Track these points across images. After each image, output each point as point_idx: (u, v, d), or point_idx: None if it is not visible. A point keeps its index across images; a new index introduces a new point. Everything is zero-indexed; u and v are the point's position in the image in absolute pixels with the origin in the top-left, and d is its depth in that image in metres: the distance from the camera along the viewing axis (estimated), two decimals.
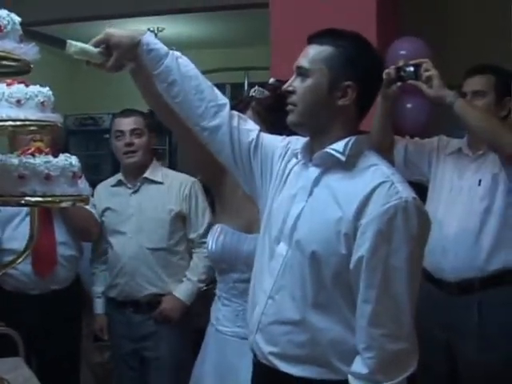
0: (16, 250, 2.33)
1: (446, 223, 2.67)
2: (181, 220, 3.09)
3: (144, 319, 3.07)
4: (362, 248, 1.58)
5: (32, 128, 1.74)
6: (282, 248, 1.72)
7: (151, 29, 6.56)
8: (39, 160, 1.69)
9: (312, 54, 1.68)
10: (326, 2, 3.14)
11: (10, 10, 1.64)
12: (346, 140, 1.67)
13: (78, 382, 3.28)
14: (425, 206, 1.85)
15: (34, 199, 1.67)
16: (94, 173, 6.76)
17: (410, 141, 2.85)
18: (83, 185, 1.80)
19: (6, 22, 1.59)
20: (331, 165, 1.69)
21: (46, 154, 1.73)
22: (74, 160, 1.75)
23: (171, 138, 7.03)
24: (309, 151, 1.74)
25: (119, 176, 3.20)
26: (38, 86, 1.74)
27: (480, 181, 2.65)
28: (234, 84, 6.73)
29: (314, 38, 1.71)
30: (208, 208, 3.10)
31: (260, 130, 1.86)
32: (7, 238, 3.00)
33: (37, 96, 1.71)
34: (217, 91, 1.83)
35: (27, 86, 1.72)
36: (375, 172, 1.64)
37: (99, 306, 3.22)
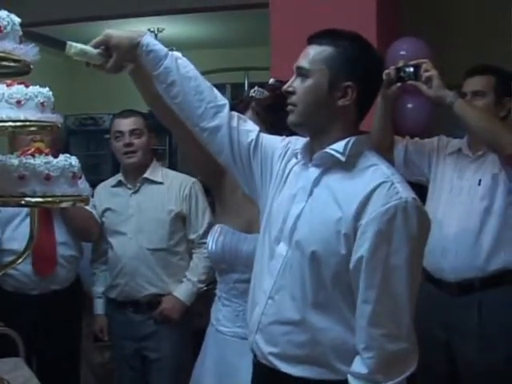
0: (16, 251, 2.34)
1: (445, 223, 2.67)
2: (181, 220, 3.10)
3: (144, 319, 3.07)
4: (361, 248, 1.58)
5: (32, 128, 1.74)
6: (281, 248, 1.72)
7: (151, 29, 6.56)
8: (39, 160, 1.69)
9: (312, 54, 1.68)
10: (326, 2, 3.14)
11: (10, 11, 1.64)
12: (346, 140, 1.67)
13: (78, 383, 3.29)
14: (425, 206, 1.86)
15: (33, 200, 1.67)
16: (95, 173, 6.76)
17: (410, 141, 2.85)
18: (83, 185, 1.80)
19: (5, 23, 1.60)
20: (331, 165, 1.69)
21: (46, 154, 1.74)
22: (73, 160, 1.75)
23: (171, 139, 7.03)
24: (309, 151, 1.74)
25: (119, 176, 3.20)
26: (37, 86, 1.74)
27: (480, 181, 2.65)
28: (234, 84, 6.73)
29: (313, 39, 1.71)
30: (208, 208, 3.10)
31: (260, 131, 1.86)
32: (7, 239, 3.00)
33: (37, 97, 1.71)
34: (216, 92, 1.83)
35: (27, 86, 1.72)
36: (375, 172, 1.64)
37: (99, 306, 3.22)
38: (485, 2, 3.92)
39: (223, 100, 1.82)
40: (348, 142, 1.67)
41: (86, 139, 8.03)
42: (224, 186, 2.22)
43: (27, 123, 1.69)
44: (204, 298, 3.14)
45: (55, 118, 1.75)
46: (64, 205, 1.76)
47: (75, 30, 5.38)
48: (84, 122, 8.00)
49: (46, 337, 3.01)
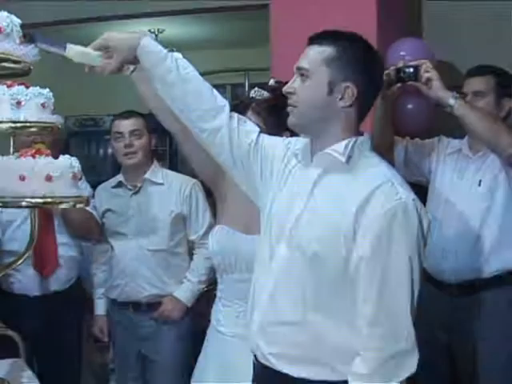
0: (17, 252, 2.34)
1: (446, 224, 2.67)
2: (181, 221, 3.09)
3: (145, 320, 3.07)
4: (361, 249, 1.58)
5: (32, 129, 1.74)
6: (281, 249, 1.72)
7: (151, 30, 6.55)
8: (39, 161, 1.69)
9: (312, 55, 1.68)
10: (326, 2, 3.14)
11: (10, 12, 1.64)
12: (347, 141, 1.67)
13: (78, 383, 3.28)
14: (425, 206, 1.86)
15: (34, 200, 1.68)
16: (95, 174, 6.74)
17: (410, 141, 2.85)
18: (83, 186, 1.81)
19: (6, 24, 1.60)
20: (331, 166, 1.69)
21: (47, 155, 1.74)
22: (74, 161, 1.76)
23: (172, 139, 7.01)
24: (309, 152, 1.74)
25: (119, 177, 3.20)
26: (38, 87, 1.75)
27: (480, 181, 2.65)
28: (234, 85, 6.73)
29: (314, 39, 1.71)
30: (208, 209, 3.10)
31: (260, 132, 1.86)
32: (8, 240, 3.00)
33: (37, 97, 1.72)
34: (216, 93, 1.83)
35: (27, 87, 1.73)
36: (375, 173, 1.64)
37: (100, 306, 3.22)
38: (485, 3, 3.92)
39: (223, 101, 1.82)
40: (348, 143, 1.67)
41: (87, 140, 8.02)
42: (224, 187, 2.22)
43: (27, 124, 1.70)
44: (204, 299, 3.14)
45: (55, 119, 1.76)
46: (64, 206, 1.77)
47: (75, 31, 5.38)
48: (84, 123, 8.00)
49: (47, 338, 3.01)
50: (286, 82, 1.75)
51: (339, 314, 1.65)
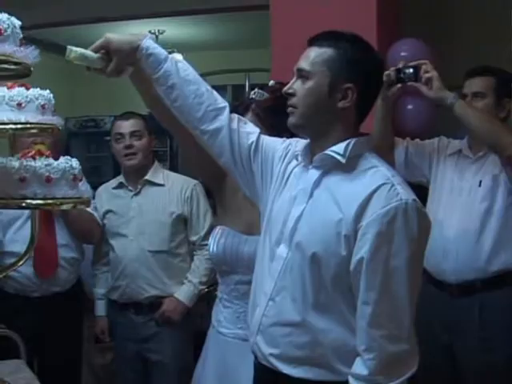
0: (17, 253, 2.34)
1: (446, 224, 2.67)
2: (182, 222, 3.10)
3: (145, 321, 3.07)
4: (362, 250, 1.58)
5: (33, 131, 1.74)
6: (282, 250, 1.73)
7: (152, 31, 6.57)
8: (40, 163, 1.69)
9: (312, 56, 1.69)
10: (326, 4, 3.14)
11: (11, 14, 1.64)
12: (347, 142, 1.68)
13: None
14: (425, 207, 1.86)
15: (34, 202, 1.68)
16: (96, 175, 6.77)
17: (410, 142, 2.85)
18: (84, 187, 1.81)
19: (6, 26, 1.60)
20: (331, 167, 1.69)
21: (47, 156, 1.74)
22: (74, 162, 1.75)
23: (172, 140, 7.04)
24: (309, 153, 1.74)
25: (120, 178, 3.20)
26: (38, 88, 1.75)
27: (480, 182, 2.65)
28: (235, 86, 6.74)
29: (314, 41, 1.71)
30: (209, 210, 3.10)
31: (260, 133, 1.86)
32: (9, 241, 3.00)
33: (37, 99, 1.71)
34: (216, 94, 1.83)
35: (28, 88, 1.73)
36: (375, 174, 1.64)
37: (100, 307, 3.23)
38: (485, 3, 3.92)
39: (223, 102, 1.83)
40: (348, 144, 1.67)
41: (87, 141, 8.04)
42: (225, 188, 2.22)
43: (28, 125, 1.70)
44: (205, 300, 3.15)
45: (56, 121, 1.76)
46: (65, 207, 1.76)
47: (75, 32, 5.39)
48: (85, 124, 8.02)
49: (48, 339, 3.01)
50: (286, 83, 1.75)
51: (340, 314, 1.65)
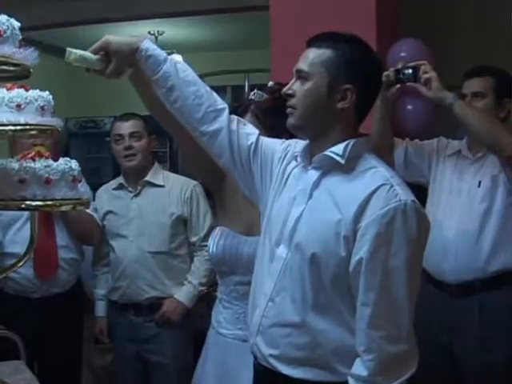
0: (17, 254, 2.34)
1: (445, 225, 2.67)
2: (182, 223, 3.10)
3: (145, 322, 3.07)
4: (361, 250, 1.58)
5: (32, 132, 1.75)
6: (282, 250, 1.73)
7: (151, 32, 6.57)
8: (39, 164, 1.70)
9: (311, 57, 1.69)
10: (325, 4, 3.14)
11: (10, 16, 1.65)
12: (346, 143, 1.68)
13: None
14: (425, 207, 1.85)
15: (34, 203, 1.68)
16: (95, 176, 6.77)
17: (409, 143, 2.85)
18: (83, 188, 1.81)
19: (5, 27, 1.60)
20: (331, 167, 1.69)
21: (46, 158, 1.74)
22: (73, 164, 1.76)
23: (172, 141, 7.03)
24: (308, 154, 1.74)
25: (120, 179, 3.20)
26: (37, 90, 1.75)
27: (480, 182, 2.65)
28: (234, 86, 6.74)
29: (313, 42, 1.71)
30: (209, 211, 3.10)
31: (259, 134, 1.86)
32: (9, 242, 3.00)
33: (37, 100, 1.72)
34: (216, 96, 1.83)
35: (27, 90, 1.73)
36: (374, 175, 1.65)
37: (100, 308, 3.23)
38: (485, 4, 3.92)
39: (223, 104, 1.83)
40: (347, 145, 1.67)
41: (87, 142, 8.04)
42: (224, 189, 2.22)
43: (27, 127, 1.70)
44: (205, 301, 3.15)
45: (55, 122, 1.76)
46: (64, 208, 1.77)
47: (75, 33, 5.40)
48: (85, 125, 8.02)
49: (48, 340, 3.01)
50: (285, 84, 1.75)
51: (339, 315, 1.65)
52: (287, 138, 1.88)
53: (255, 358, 1.80)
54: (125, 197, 3.15)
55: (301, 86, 1.69)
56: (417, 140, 2.87)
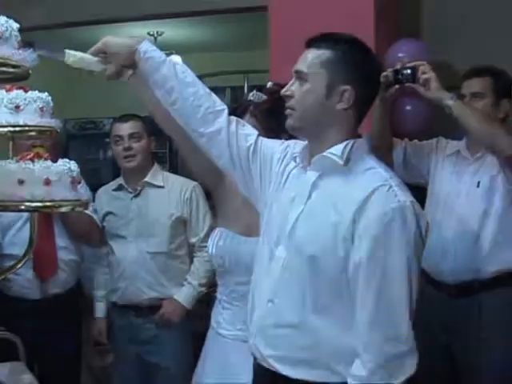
0: (17, 255, 2.33)
1: (444, 225, 2.67)
2: (182, 224, 3.10)
3: (145, 323, 3.07)
4: (360, 251, 1.58)
5: (31, 133, 1.75)
6: (281, 251, 1.73)
7: (150, 33, 6.56)
8: (38, 165, 1.70)
9: (310, 58, 1.69)
10: (324, 5, 3.14)
11: (9, 17, 1.65)
12: (345, 144, 1.68)
13: None
14: (424, 208, 1.85)
15: (33, 204, 1.68)
16: (95, 177, 6.75)
17: (408, 143, 2.85)
18: (83, 189, 1.82)
19: (4, 29, 1.60)
20: (329, 168, 1.69)
21: (46, 159, 1.74)
22: (72, 165, 1.76)
23: (171, 142, 6.98)
24: (307, 155, 1.74)
25: (120, 180, 3.20)
26: (36, 91, 1.75)
27: (479, 183, 2.66)
28: (233, 87, 6.74)
29: (312, 42, 1.71)
30: (209, 212, 3.10)
31: (258, 135, 1.86)
32: (8, 243, 3.00)
33: (36, 101, 1.72)
34: (215, 97, 1.83)
35: (26, 91, 1.73)
36: (373, 175, 1.65)
37: (100, 309, 3.22)
38: (484, 4, 3.92)
39: (222, 105, 1.83)
40: (346, 146, 1.67)
41: (87, 143, 8.02)
42: (224, 190, 2.22)
43: (26, 128, 1.70)
44: (204, 301, 3.15)
45: (54, 123, 1.76)
46: (63, 209, 1.77)
47: (74, 34, 5.39)
48: (84, 126, 8.01)
49: (47, 341, 3.00)
50: (284, 85, 1.75)
51: (338, 315, 1.65)
52: (286, 139, 1.88)
53: (255, 358, 1.81)
54: (124, 198, 3.15)
55: (300, 87, 1.69)
56: (416, 140, 2.88)
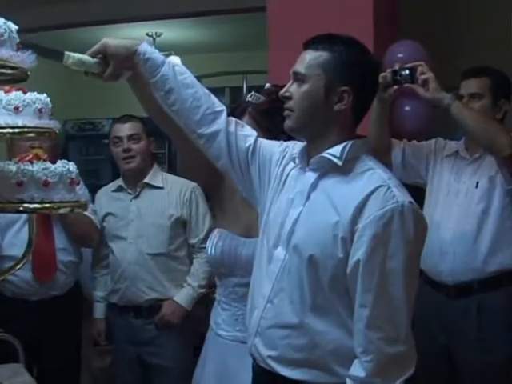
0: (16, 257, 2.33)
1: (443, 226, 2.67)
2: (181, 225, 3.10)
3: (145, 324, 3.07)
4: (358, 252, 1.58)
5: (30, 135, 1.75)
6: (280, 252, 1.73)
7: (149, 34, 6.57)
8: (37, 167, 1.70)
9: (308, 59, 1.69)
10: (323, 6, 3.14)
11: (7, 19, 1.65)
12: (343, 144, 1.68)
13: None
14: (422, 209, 1.86)
15: (32, 206, 1.68)
16: (94, 178, 6.77)
17: (407, 143, 2.85)
18: (81, 191, 1.81)
19: (2, 31, 1.60)
20: (328, 169, 1.69)
21: (44, 160, 1.74)
22: (71, 166, 1.76)
23: (170, 143, 7.03)
24: (306, 156, 1.75)
25: (119, 181, 3.20)
26: (35, 92, 1.75)
27: (477, 183, 2.66)
28: (232, 88, 6.75)
29: (309, 44, 1.71)
30: (208, 213, 3.10)
31: (257, 136, 1.86)
32: (7, 245, 3.00)
33: (34, 103, 1.72)
34: (214, 98, 1.84)
35: (25, 93, 1.73)
36: (372, 176, 1.65)
37: (99, 310, 3.22)
38: (484, 5, 3.92)
39: (221, 106, 1.83)
40: (345, 147, 1.67)
41: (85, 144, 8.04)
42: (222, 191, 2.22)
43: (25, 129, 1.70)
44: (203, 302, 3.15)
45: (53, 124, 1.76)
46: (62, 211, 1.77)
47: (73, 35, 5.40)
48: (83, 127, 8.02)
49: (46, 342, 3.01)
50: (282, 86, 1.76)
51: (337, 316, 1.65)
52: (285, 140, 1.88)
53: (254, 359, 1.81)
54: (124, 199, 3.15)
55: (298, 89, 1.69)
56: (414, 141, 2.88)
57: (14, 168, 1.69)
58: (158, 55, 1.80)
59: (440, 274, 2.69)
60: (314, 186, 1.70)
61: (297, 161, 1.77)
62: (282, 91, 1.73)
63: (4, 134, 1.69)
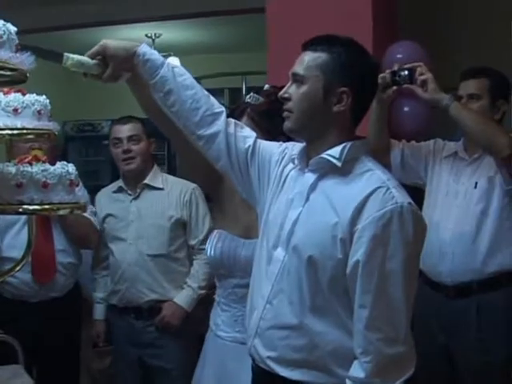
0: (15, 258, 2.33)
1: (442, 226, 2.67)
2: (181, 226, 3.09)
3: (145, 326, 3.07)
4: (358, 253, 1.58)
5: (29, 136, 1.75)
6: (279, 253, 1.73)
7: (149, 35, 6.57)
8: (36, 168, 1.70)
9: (307, 60, 1.69)
10: (322, 7, 3.14)
11: (7, 20, 1.65)
12: (342, 145, 1.68)
13: None
14: (421, 209, 1.86)
15: (31, 207, 1.68)
16: (93, 179, 6.76)
17: (406, 144, 2.85)
18: (81, 192, 1.81)
19: (1, 32, 1.61)
20: (327, 170, 1.69)
21: (44, 162, 1.74)
22: (70, 168, 1.76)
23: (170, 144, 7.03)
24: (305, 157, 1.75)
25: (120, 182, 3.20)
26: (34, 94, 1.75)
27: (476, 184, 2.66)
28: (232, 89, 6.75)
29: (308, 45, 1.72)
30: (208, 214, 3.09)
31: (257, 137, 1.87)
32: (6, 246, 2.99)
33: (33, 105, 1.72)
34: (213, 99, 1.84)
35: (24, 94, 1.73)
36: (371, 177, 1.65)
37: (99, 311, 3.22)
38: (483, 5, 3.93)
39: (220, 107, 1.83)
40: (344, 148, 1.67)
41: (85, 145, 8.04)
42: (222, 192, 2.22)
43: (24, 131, 1.70)
44: (203, 304, 3.14)
45: (52, 126, 1.76)
46: (61, 212, 1.77)
47: (72, 36, 5.40)
48: (82, 128, 8.02)
49: (46, 344, 3.00)
50: (281, 87, 1.76)
51: (337, 317, 1.65)
52: (284, 141, 1.88)
53: (253, 360, 1.81)
54: (124, 200, 3.15)
55: (297, 90, 1.69)
56: (413, 142, 2.88)
57: (13, 169, 1.69)
58: (157, 56, 1.81)
59: (439, 274, 2.69)
60: (313, 187, 1.70)
61: (296, 162, 1.77)
62: (280, 92, 1.74)
63: (3, 135, 1.69)
